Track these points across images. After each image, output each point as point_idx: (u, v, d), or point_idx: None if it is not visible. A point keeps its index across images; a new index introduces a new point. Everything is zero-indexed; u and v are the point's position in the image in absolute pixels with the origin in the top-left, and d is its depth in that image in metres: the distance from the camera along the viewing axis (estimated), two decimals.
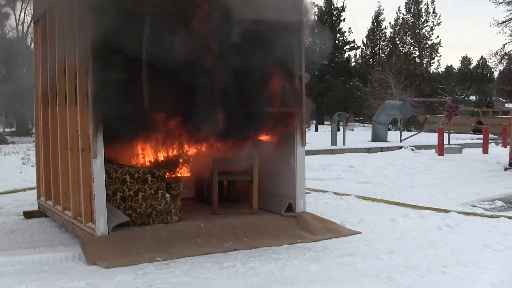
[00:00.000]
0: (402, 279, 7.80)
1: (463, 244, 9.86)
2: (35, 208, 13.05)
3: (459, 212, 12.54)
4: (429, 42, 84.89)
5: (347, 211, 12.98)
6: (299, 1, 11.24)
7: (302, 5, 11.25)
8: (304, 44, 11.28)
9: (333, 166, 21.97)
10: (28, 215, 12.65)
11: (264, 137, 11.65)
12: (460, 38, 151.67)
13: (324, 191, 16.11)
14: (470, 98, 79.46)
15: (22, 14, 54.16)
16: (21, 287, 7.69)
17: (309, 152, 25.66)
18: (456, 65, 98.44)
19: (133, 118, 10.34)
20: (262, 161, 11.55)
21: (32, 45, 50.14)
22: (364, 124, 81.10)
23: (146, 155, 11.86)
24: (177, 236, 9.83)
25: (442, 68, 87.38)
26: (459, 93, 74.85)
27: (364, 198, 14.80)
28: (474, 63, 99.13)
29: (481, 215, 12.61)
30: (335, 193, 15.77)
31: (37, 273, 8.39)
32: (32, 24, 51.83)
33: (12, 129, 61.20)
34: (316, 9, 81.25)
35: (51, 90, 11.52)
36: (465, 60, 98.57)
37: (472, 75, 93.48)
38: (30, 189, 16.67)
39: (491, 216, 12.45)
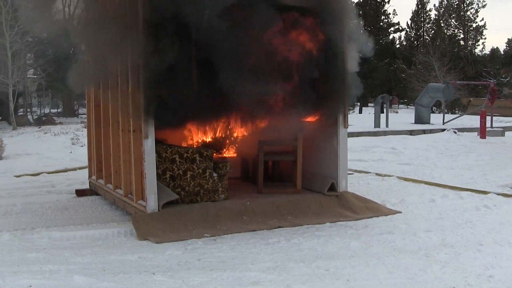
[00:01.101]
0: (438, 256, 8.05)
1: (499, 224, 10.04)
2: (86, 186, 13.49)
3: (498, 194, 12.67)
4: (474, 25, 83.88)
5: (388, 192, 13.19)
6: None
7: None
8: (348, 28, 11.50)
9: (375, 148, 22.19)
10: (79, 193, 13.11)
11: (308, 119, 11.92)
12: (507, 20, 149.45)
13: (367, 172, 16.37)
14: None
15: None
16: (78, 260, 8.11)
17: (352, 134, 25.98)
18: (502, 47, 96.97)
19: (182, 101, 10.67)
20: (305, 142, 11.85)
21: (79, 27, 50.83)
22: (408, 106, 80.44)
23: (194, 136, 12.20)
24: (223, 214, 10.18)
25: (487, 51, 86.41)
26: (504, 75, 73.92)
27: (405, 179, 15.01)
28: None
29: None
30: (377, 174, 16.02)
31: (91, 247, 8.82)
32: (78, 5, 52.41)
33: (59, 110, 61.84)
34: None
35: (103, 72, 11.84)
36: (511, 43, 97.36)
37: None
38: (80, 168, 17.17)
39: None
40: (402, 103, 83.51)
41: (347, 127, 11.60)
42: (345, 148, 11.60)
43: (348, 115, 11.78)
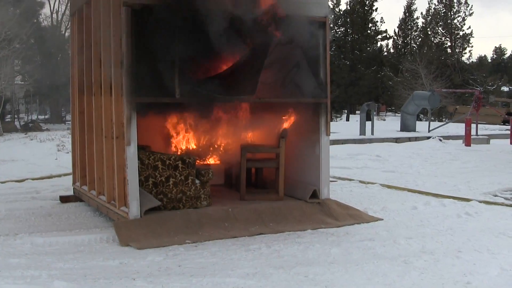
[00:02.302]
0: (417, 262, 8.12)
1: (480, 231, 10.12)
2: (71, 193, 13.49)
3: (480, 201, 12.76)
4: (461, 33, 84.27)
5: (370, 199, 13.26)
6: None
7: (326, 2, 11.60)
8: (329, 37, 11.62)
9: (360, 155, 22.27)
10: (64, 199, 13.11)
11: (290, 126, 12.04)
12: (494, 28, 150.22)
13: (350, 179, 16.43)
14: (502, 89, 78.82)
15: (57, 2, 54.71)
16: (59, 265, 8.14)
17: (337, 142, 26.08)
18: (490, 55, 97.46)
19: (165, 107, 10.74)
20: (288, 150, 11.90)
21: (67, 34, 51.02)
22: (395, 114, 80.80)
23: (177, 142, 12.28)
24: (205, 220, 10.21)
25: (474, 59, 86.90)
26: (490, 83, 74.27)
27: (388, 187, 15.09)
28: (508, 53, 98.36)
29: (502, 204, 12.77)
30: (360, 181, 16.08)
31: (73, 253, 8.84)
32: (66, 13, 52.68)
33: (46, 117, 61.79)
34: None
35: (87, 80, 11.97)
36: (499, 50, 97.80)
37: (505, 66, 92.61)
38: (65, 175, 17.16)
39: (511, 205, 12.70)
40: (389, 111, 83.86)
41: (329, 135, 11.66)
42: (327, 155, 11.67)
43: (331, 122, 11.86)
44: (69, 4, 47.19)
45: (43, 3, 52.84)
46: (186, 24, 9.95)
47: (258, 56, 10.62)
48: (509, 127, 35.47)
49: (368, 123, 32.85)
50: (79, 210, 12.14)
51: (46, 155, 22.90)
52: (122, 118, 9.81)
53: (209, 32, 9.94)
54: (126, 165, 9.86)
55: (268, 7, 10.39)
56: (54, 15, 54.93)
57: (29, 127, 43.20)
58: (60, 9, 55.08)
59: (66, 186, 14.76)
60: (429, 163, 20.54)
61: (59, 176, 17.42)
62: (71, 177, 14.01)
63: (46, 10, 57.56)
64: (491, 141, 29.67)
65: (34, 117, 62.61)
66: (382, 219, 11.15)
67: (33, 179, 16.77)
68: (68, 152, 22.36)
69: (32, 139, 29.29)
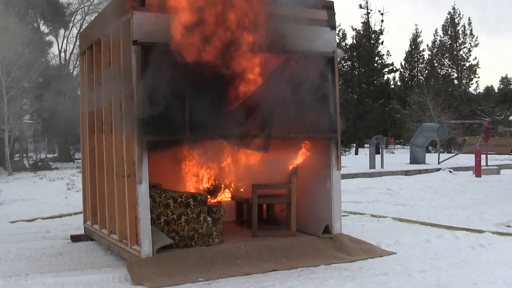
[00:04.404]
0: None
1: (494, 263, 10.06)
2: (82, 232, 13.44)
3: (493, 232, 12.70)
4: (467, 64, 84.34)
5: (383, 233, 13.20)
6: (332, 35, 11.64)
7: (334, 38, 11.64)
8: (337, 72, 11.63)
9: (371, 189, 22.22)
10: (75, 238, 13.08)
11: (301, 162, 12.04)
12: (500, 58, 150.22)
13: (361, 214, 16.40)
14: (510, 119, 78.67)
15: (65, 41, 54.98)
16: None
17: (347, 176, 25.99)
18: (496, 85, 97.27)
19: (175, 145, 10.71)
20: (299, 185, 11.90)
21: (75, 72, 51.30)
22: (404, 146, 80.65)
23: (188, 180, 12.27)
24: (218, 258, 10.16)
25: (481, 89, 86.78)
26: (498, 113, 74.27)
27: (400, 220, 15.03)
28: None
29: None
30: (372, 215, 16.05)
31: None
32: (74, 51, 53.02)
33: (55, 155, 61.95)
34: (354, 32, 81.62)
35: (97, 118, 12.01)
36: (505, 80, 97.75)
37: None
38: (75, 213, 17.14)
39: None
40: (398, 143, 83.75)
41: (340, 169, 11.65)
42: (338, 190, 11.64)
43: (341, 156, 11.84)
44: (77, 43, 47.56)
45: (51, 42, 53.22)
46: (196, 61, 9.97)
47: (269, 92, 10.63)
48: None
49: (378, 157, 32.79)
50: (91, 249, 12.09)
51: (56, 194, 22.91)
52: (133, 156, 9.82)
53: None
54: (137, 203, 9.82)
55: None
56: (62, 54, 55.19)
57: (38, 166, 43.30)
58: (68, 47, 55.36)
59: (76, 225, 14.72)
60: (440, 195, 20.49)
61: (70, 215, 17.40)
62: (81, 216, 13.98)
63: (54, 49, 58.01)
64: (502, 171, 29.54)
65: (43, 156, 62.79)
66: (396, 253, 11.07)
67: (43, 218, 16.76)
68: (78, 191, 22.38)
69: (41, 178, 29.37)
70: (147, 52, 9.79)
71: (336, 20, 11.85)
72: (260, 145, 10.74)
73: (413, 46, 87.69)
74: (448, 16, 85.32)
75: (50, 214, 17.47)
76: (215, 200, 12.30)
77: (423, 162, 35.33)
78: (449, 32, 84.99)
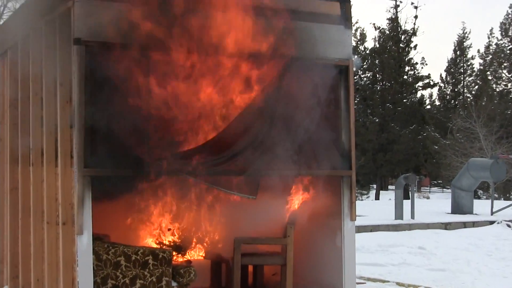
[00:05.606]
0: None
1: None
2: None
3: None
4: None
5: None
6: (347, 36, 11.73)
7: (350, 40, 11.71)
8: (352, 87, 11.65)
9: (396, 247, 22.21)
10: None
11: (301, 209, 12.09)
12: None
13: (383, 281, 16.39)
14: None
15: None
16: None
17: (365, 228, 26.07)
18: None
19: (130, 183, 10.75)
20: (298, 240, 11.95)
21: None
22: (444, 189, 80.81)
23: (147, 231, 12.29)
24: None
25: None
26: None
27: None
28: None
29: None
30: (398, 283, 16.04)
31: None
32: None
33: None
34: (377, 33, 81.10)
35: (23, 144, 12.03)
36: None
37: None
38: None
39: None
40: (434, 185, 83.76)
41: (355, 219, 11.70)
42: (352, 247, 11.68)
43: (357, 201, 11.90)
44: None
45: None
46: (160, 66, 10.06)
47: (256, 113, 10.73)
48: None
49: (407, 203, 32.77)
50: None
51: None
52: (72, 197, 9.82)
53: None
54: (76, 262, 9.80)
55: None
56: None
57: None
58: None
59: None
60: (493, 259, 20.46)
61: None
62: None
63: None
64: None
65: None
66: None
67: None
68: None
69: None
70: (94, 55, 9.79)
71: (352, 15, 11.84)
72: (244, 188, 10.79)
73: (458, 52, 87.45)
74: (510, 11, 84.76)
75: None
76: (183, 259, 12.30)
77: (470, 212, 35.30)
78: (510, 33, 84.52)
